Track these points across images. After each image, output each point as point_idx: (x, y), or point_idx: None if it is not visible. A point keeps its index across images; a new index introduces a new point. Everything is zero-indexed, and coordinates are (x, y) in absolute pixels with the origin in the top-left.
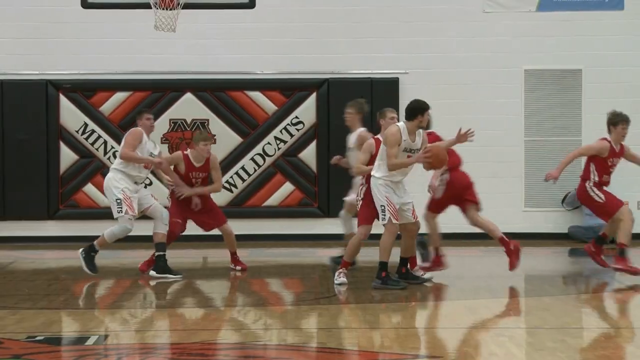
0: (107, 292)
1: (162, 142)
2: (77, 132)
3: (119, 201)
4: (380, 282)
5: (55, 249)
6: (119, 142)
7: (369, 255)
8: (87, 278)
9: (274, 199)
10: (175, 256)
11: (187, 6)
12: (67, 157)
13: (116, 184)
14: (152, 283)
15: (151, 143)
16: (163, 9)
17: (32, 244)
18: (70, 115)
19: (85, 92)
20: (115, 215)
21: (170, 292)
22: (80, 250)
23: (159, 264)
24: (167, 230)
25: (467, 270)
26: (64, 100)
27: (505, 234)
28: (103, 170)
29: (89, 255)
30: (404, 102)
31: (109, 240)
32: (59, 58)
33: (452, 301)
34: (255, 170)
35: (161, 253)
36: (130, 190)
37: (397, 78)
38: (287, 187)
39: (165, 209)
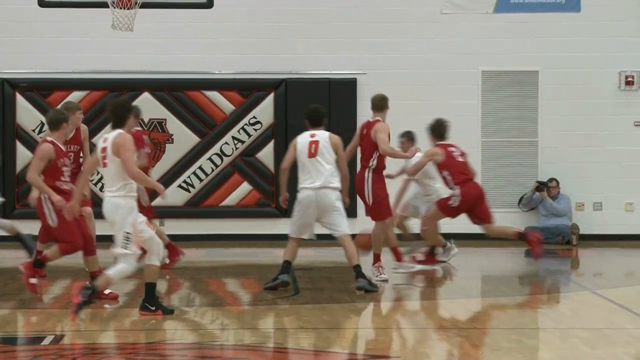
0: (62, 292)
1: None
2: (33, 131)
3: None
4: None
5: (11, 247)
6: None
7: (323, 256)
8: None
9: (232, 199)
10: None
11: (144, 5)
12: (24, 156)
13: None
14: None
15: None
16: (120, 8)
17: None
18: (27, 114)
19: (42, 91)
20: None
21: (127, 293)
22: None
23: None
24: None
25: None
26: (20, 99)
27: (460, 234)
28: None
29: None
30: (361, 103)
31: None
32: (16, 57)
33: (410, 301)
34: (212, 170)
35: None
36: None
37: (355, 79)
38: (245, 187)
39: None
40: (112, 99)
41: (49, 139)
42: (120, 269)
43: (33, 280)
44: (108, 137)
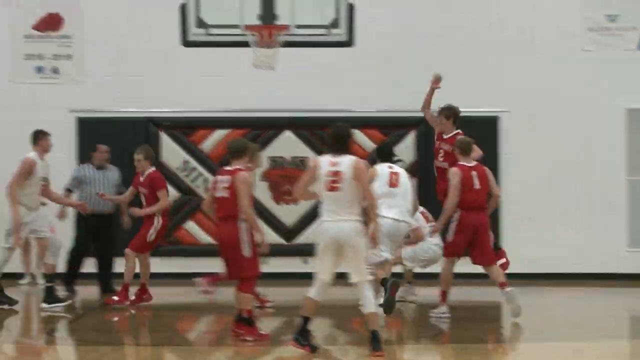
0: (198, 329)
1: (260, 180)
2: (177, 169)
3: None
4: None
5: (158, 285)
6: None
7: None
8: (188, 315)
9: None
10: (275, 294)
11: (286, 44)
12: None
13: None
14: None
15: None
16: (262, 47)
17: (134, 280)
18: (171, 153)
19: (185, 129)
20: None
21: (272, 329)
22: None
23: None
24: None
25: (570, 310)
26: (164, 138)
27: (606, 274)
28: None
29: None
30: (503, 141)
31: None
32: (160, 96)
33: (554, 342)
34: None
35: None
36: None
37: (497, 117)
38: None
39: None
40: (336, 125)
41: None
42: (370, 295)
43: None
44: (339, 161)
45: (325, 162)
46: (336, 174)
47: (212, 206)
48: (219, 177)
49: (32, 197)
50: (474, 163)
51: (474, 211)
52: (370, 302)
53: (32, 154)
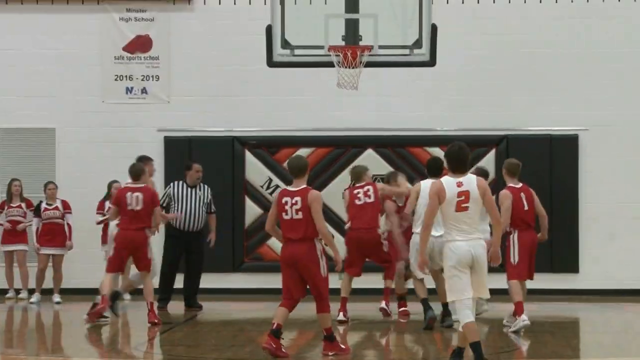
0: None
1: (342, 198)
2: (261, 187)
3: None
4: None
5: (240, 300)
6: None
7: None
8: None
9: None
10: (355, 309)
11: (369, 64)
12: (252, 211)
13: None
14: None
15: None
16: (346, 67)
17: (219, 296)
18: (255, 171)
19: (269, 148)
20: None
21: (354, 344)
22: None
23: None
24: None
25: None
26: (249, 156)
27: None
28: None
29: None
30: (583, 159)
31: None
32: (245, 115)
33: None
34: None
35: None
36: None
37: (577, 135)
38: None
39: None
40: (455, 144)
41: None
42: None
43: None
44: (464, 181)
45: (451, 183)
46: (464, 194)
47: (275, 227)
48: (286, 199)
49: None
50: (520, 185)
51: (528, 231)
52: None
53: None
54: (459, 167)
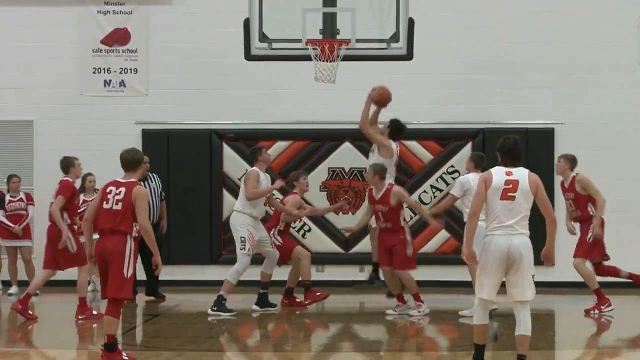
0: (257, 336)
1: (320, 190)
2: (239, 179)
3: (243, 239)
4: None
5: (218, 292)
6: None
7: None
8: (248, 321)
9: (430, 246)
10: (332, 301)
11: (346, 58)
12: (230, 203)
13: (242, 223)
14: (308, 323)
15: (267, 176)
16: (323, 61)
17: (196, 288)
18: (233, 164)
19: (247, 141)
20: (239, 252)
21: (329, 336)
22: (211, 309)
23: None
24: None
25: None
26: (227, 149)
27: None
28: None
29: (221, 304)
30: (559, 153)
31: (234, 282)
32: (223, 108)
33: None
34: (411, 218)
35: (265, 291)
36: (253, 228)
37: (553, 129)
38: (443, 235)
39: (277, 252)
40: (508, 137)
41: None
42: (529, 316)
43: None
44: (515, 172)
45: (500, 171)
46: (512, 182)
47: (90, 218)
48: (111, 188)
49: (259, 207)
50: None
51: None
52: (529, 324)
53: (256, 168)
54: (512, 160)
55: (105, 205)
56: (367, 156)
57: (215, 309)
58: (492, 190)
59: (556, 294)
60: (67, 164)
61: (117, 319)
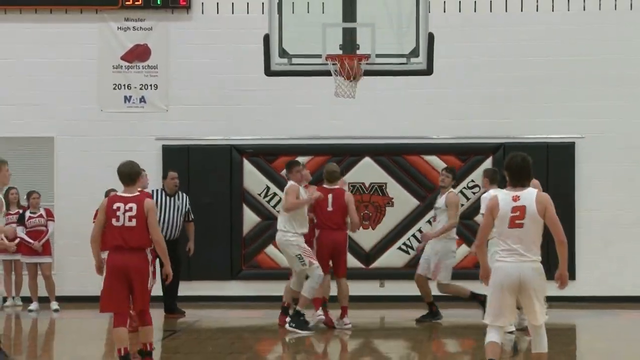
0: (278, 352)
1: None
2: (259, 195)
3: (299, 256)
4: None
5: (238, 308)
6: None
7: None
8: (268, 337)
9: None
10: (352, 316)
11: (366, 73)
12: (250, 219)
13: (290, 241)
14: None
15: (305, 191)
16: (344, 77)
17: (216, 303)
18: (253, 179)
19: (267, 156)
20: (299, 269)
21: (350, 352)
22: (288, 323)
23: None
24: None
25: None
26: (247, 164)
27: None
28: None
29: (299, 320)
30: (580, 167)
31: (310, 297)
32: (243, 123)
33: None
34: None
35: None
36: (303, 242)
37: (573, 142)
38: (463, 250)
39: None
40: (516, 154)
41: None
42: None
43: None
44: (522, 195)
45: (507, 198)
46: (519, 209)
47: (98, 237)
48: (118, 204)
49: (301, 221)
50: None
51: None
52: (544, 342)
53: (293, 183)
54: (520, 180)
55: (115, 223)
56: (387, 171)
57: (294, 325)
58: (499, 219)
59: (576, 309)
60: None
61: (152, 325)
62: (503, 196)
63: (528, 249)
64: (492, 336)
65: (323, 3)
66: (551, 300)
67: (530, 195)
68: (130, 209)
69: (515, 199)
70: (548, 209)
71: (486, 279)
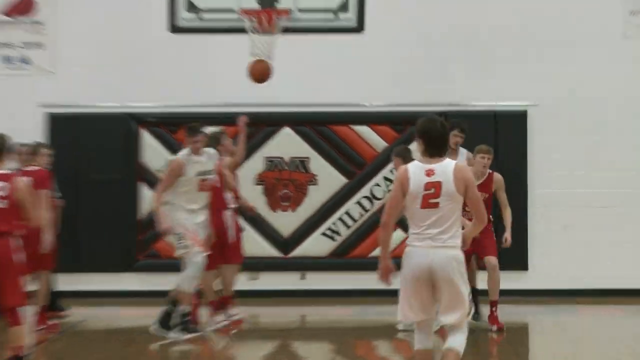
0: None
1: (255, 184)
2: (159, 171)
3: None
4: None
5: (133, 305)
6: None
7: None
8: (165, 339)
9: None
10: (268, 314)
11: (286, 30)
12: (148, 200)
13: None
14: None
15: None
16: (260, 33)
17: (108, 299)
18: (153, 153)
19: (169, 126)
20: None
21: (264, 356)
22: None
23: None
24: None
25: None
26: (146, 136)
27: None
28: None
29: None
30: (533, 139)
31: (188, 290)
32: (143, 89)
33: None
34: (361, 216)
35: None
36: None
37: (525, 111)
38: (398, 235)
39: None
40: (428, 118)
41: None
42: (464, 340)
43: None
44: (435, 168)
45: (419, 171)
46: (434, 185)
47: None
48: None
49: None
50: None
51: None
52: (463, 346)
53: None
54: (438, 150)
55: None
56: (310, 144)
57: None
58: (410, 196)
59: (528, 304)
60: None
61: (23, 325)
62: (415, 169)
63: (443, 232)
64: (418, 339)
65: None
66: (501, 294)
67: (447, 168)
68: (2, 189)
69: (429, 173)
70: (469, 186)
71: (385, 278)
